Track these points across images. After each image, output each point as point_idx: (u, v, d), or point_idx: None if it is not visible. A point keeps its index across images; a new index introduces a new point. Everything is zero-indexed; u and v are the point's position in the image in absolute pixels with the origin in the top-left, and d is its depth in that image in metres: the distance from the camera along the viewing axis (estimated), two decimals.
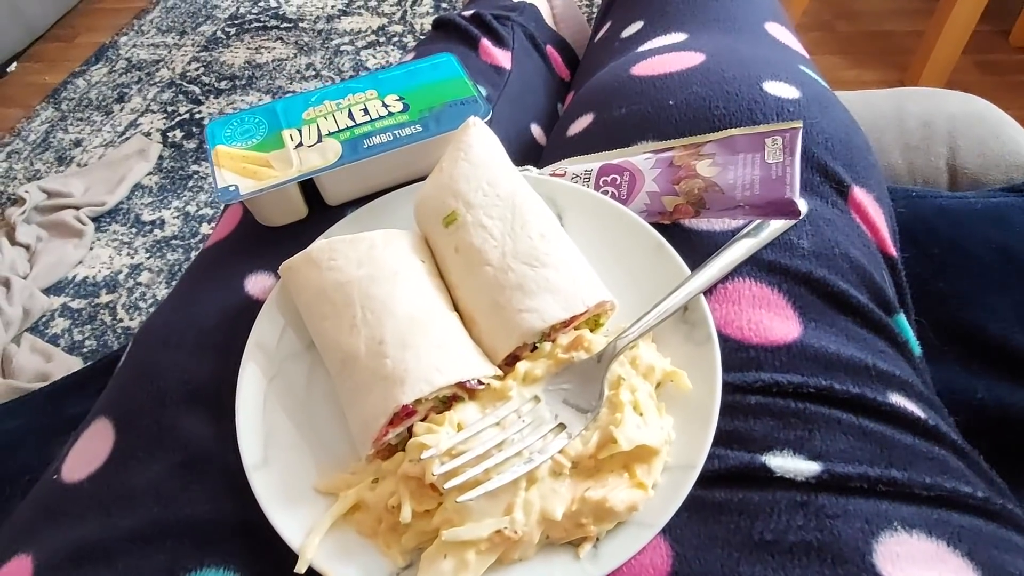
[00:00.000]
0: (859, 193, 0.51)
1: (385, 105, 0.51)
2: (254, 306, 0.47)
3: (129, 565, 0.39)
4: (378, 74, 0.53)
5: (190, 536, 0.40)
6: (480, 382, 0.39)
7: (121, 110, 1.82)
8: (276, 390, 0.43)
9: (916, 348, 0.49)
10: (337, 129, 0.50)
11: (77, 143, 1.73)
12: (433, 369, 0.38)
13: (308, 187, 0.51)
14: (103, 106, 1.84)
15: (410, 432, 0.39)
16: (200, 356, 0.46)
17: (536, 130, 0.70)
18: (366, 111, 0.50)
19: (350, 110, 0.51)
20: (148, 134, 1.73)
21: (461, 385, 0.39)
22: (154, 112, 1.80)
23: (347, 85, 0.53)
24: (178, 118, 1.76)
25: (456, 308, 0.44)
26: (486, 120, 0.50)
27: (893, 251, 0.52)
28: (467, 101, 0.51)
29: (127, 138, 1.72)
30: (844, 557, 0.34)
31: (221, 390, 0.44)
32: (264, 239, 0.53)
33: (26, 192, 1.51)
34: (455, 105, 0.51)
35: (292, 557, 0.37)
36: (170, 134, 1.71)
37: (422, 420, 0.39)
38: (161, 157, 1.66)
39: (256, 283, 0.50)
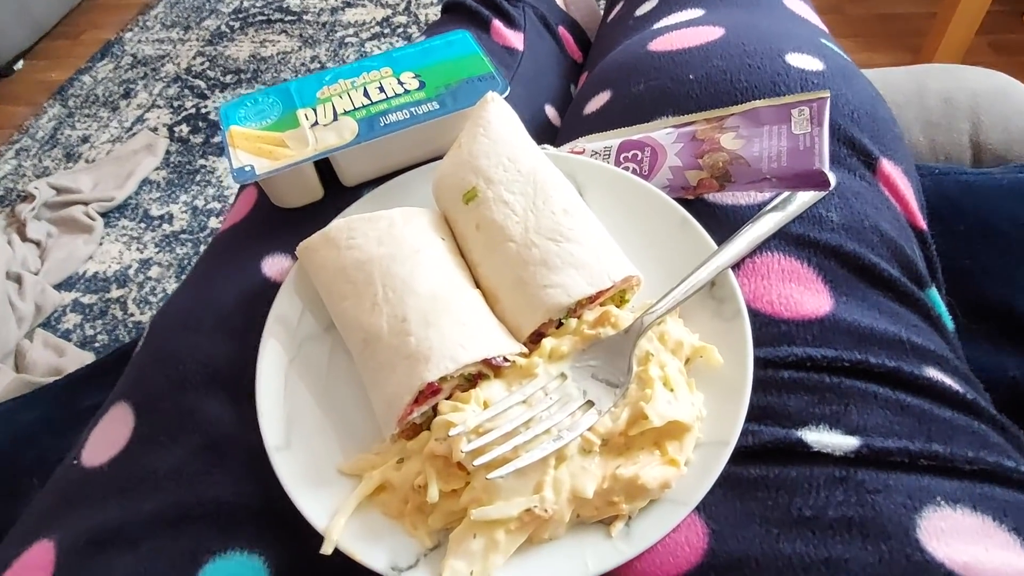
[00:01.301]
0: (887, 165, 0.50)
1: (401, 83, 0.50)
2: (271, 288, 0.47)
3: (153, 548, 0.39)
4: (392, 52, 0.52)
5: (214, 519, 0.40)
6: (506, 359, 0.38)
7: (127, 106, 1.82)
8: (296, 372, 0.43)
9: (949, 323, 0.48)
10: (353, 108, 0.49)
11: (85, 139, 1.73)
12: (458, 346, 0.37)
13: (324, 168, 0.50)
14: (110, 102, 1.84)
15: (435, 411, 0.38)
16: (219, 339, 0.46)
17: (550, 111, 0.69)
18: (382, 89, 0.49)
19: (365, 88, 0.50)
20: (155, 129, 1.73)
21: (487, 362, 0.38)
22: (160, 107, 1.79)
23: (361, 64, 0.52)
24: (184, 113, 1.76)
25: (478, 286, 0.43)
26: (504, 96, 0.49)
27: (923, 224, 0.50)
28: (484, 77, 0.50)
29: (134, 133, 1.72)
30: (888, 533, 0.33)
31: (241, 372, 0.43)
32: (280, 221, 0.52)
33: (35, 188, 1.51)
34: (472, 81, 0.50)
35: (318, 540, 0.36)
36: (176, 129, 1.71)
37: (447, 399, 0.38)
38: (168, 152, 1.66)
39: (273, 265, 0.49)
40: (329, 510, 0.37)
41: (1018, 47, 1.63)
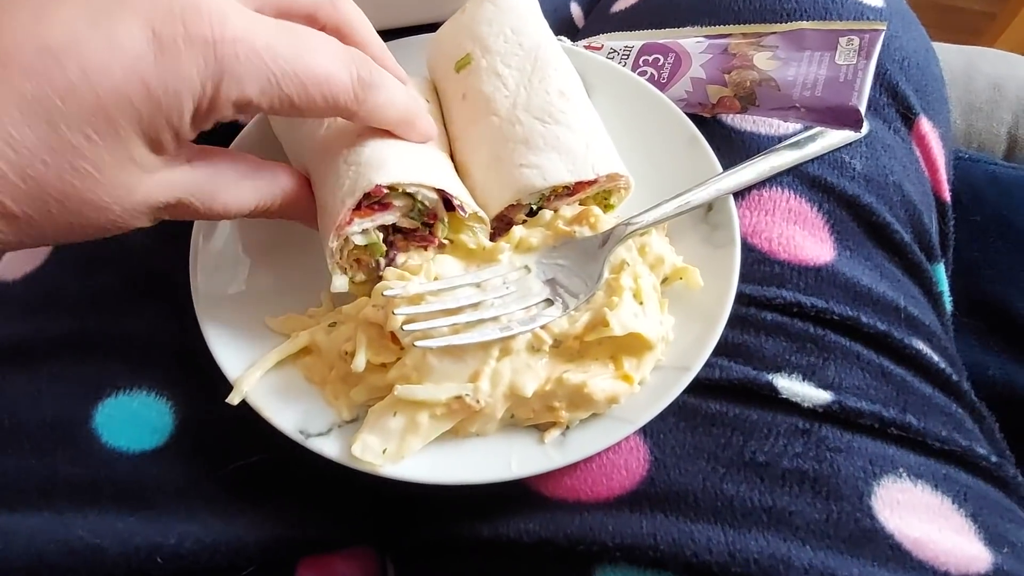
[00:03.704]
0: (925, 124, 0.46)
1: None
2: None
3: (52, 371, 0.36)
4: None
5: (123, 354, 0.36)
6: (464, 209, 0.34)
7: None
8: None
9: (948, 304, 0.45)
10: None
11: None
12: (418, 166, 0.33)
13: None
14: None
15: (379, 277, 0.34)
16: None
17: (575, 10, 0.63)
18: None
19: None
20: None
21: (444, 197, 0.33)
22: None
23: None
24: None
25: (453, 160, 0.38)
26: None
27: (947, 196, 0.46)
28: None
29: None
30: (841, 493, 0.30)
31: None
32: None
33: None
34: None
35: (229, 392, 0.33)
36: None
37: (398, 263, 0.34)
38: None
39: None
40: (247, 363, 0.34)
41: None
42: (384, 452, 0.31)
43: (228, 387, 0.33)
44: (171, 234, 0.39)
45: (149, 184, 0.26)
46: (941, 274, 0.44)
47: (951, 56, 0.75)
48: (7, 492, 0.31)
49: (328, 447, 0.31)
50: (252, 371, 0.33)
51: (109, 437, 0.33)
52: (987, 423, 0.38)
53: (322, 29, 0.31)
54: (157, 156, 0.26)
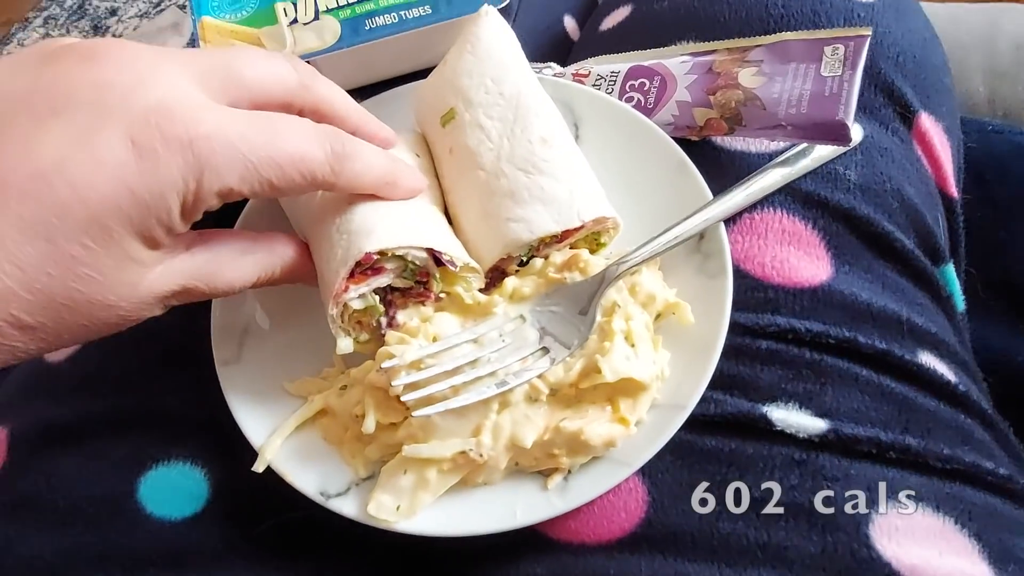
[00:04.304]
0: (926, 121, 0.44)
1: None
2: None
3: (97, 449, 0.39)
4: None
5: (160, 428, 0.40)
6: (454, 263, 0.35)
7: None
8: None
9: (960, 303, 0.44)
10: (336, 6, 0.44)
11: (112, 12, 1.68)
12: (405, 228, 0.35)
13: None
14: None
15: (382, 340, 0.36)
16: None
17: (569, 23, 0.63)
18: None
19: None
20: (183, 6, 1.67)
21: (433, 255, 0.35)
22: None
23: None
24: None
25: (447, 212, 0.40)
26: (502, 7, 0.44)
27: (954, 192, 0.45)
28: None
29: (162, 9, 1.67)
30: (837, 524, 0.31)
31: None
32: None
33: None
34: None
35: (255, 457, 0.36)
36: None
37: (396, 322, 0.36)
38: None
39: None
40: (269, 428, 0.37)
41: None
42: (398, 509, 0.33)
43: (254, 451, 0.36)
44: (191, 309, 0.42)
45: (151, 277, 0.28)
46: (950, 275, 0.44)
47: (971, 16, 0.72)
48: (70, 568, 0.35)
49: (347, 507, 0.34)
50: (274, 438, 0.36)
51: (154, 508, 0.37)
52: (999, 429, 0.38)
53: (300, 113, 0.32)
54: (154, 251, 0.28)
